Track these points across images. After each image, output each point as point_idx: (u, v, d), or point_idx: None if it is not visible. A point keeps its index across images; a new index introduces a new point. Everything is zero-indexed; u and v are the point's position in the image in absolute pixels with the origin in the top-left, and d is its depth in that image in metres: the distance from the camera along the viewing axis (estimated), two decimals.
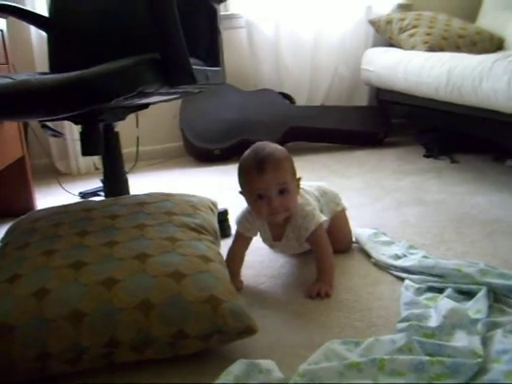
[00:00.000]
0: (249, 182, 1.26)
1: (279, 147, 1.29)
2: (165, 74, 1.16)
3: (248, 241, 1.38)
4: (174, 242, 1.12)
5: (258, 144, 1.29)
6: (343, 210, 1.52)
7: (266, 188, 1.23)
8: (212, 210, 1.39)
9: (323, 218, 1.32)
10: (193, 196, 1.39)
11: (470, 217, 1.72)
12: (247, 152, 1.28)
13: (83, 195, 2.34)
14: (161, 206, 1.26)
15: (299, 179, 1.31)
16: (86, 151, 1.31)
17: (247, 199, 1.30)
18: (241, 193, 1.31)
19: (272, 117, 3.00)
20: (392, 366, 0.89)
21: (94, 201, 1.35)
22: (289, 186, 1.24)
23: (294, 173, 1.29)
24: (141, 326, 0.95)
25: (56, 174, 2.72)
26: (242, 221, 1.35)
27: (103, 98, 1.09)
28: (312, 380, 0.86)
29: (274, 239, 1.36)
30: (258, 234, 1.39)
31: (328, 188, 1.51)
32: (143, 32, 1.36)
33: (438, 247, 1.48)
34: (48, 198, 2.34)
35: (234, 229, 1.68)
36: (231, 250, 1.37)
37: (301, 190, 1.35)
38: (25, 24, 1.71)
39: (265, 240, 1.40)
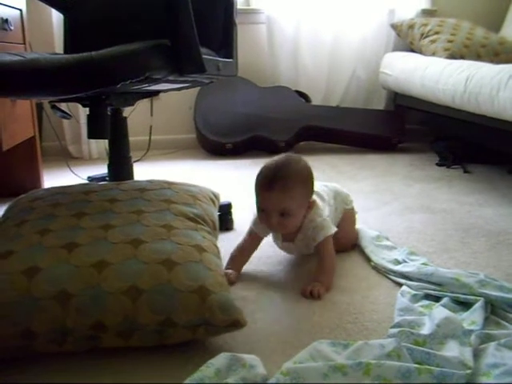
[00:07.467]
0: (257, 193, 1.27)
1: (303, 167, 1.28)
2: (174, 62, 1.15)
3: (260, 240, 1.39)
4: (169, 229, 1.11)
5: (287, 157, 1.28)
6: (352, 209, 1.53)
7: (268, 207, 1.24)
8: (213, 201, 1.37)
9: (333, 229, 1.32)
10: (194, 186, 1.37)
11: (476, 227, 1.69)
12: (273, 160, 1.27)
13: (92, 180, 2.33)
14: (161, 193, 1.25)
15: (312, 202, 1.30)
16: (92, 134, 1.31)
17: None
18: None
19: (286, 114, 2.97)
20: (378, 372, 0.87)
21: (95, 184, 1.34)
22: (291, 212, 1.24)
23: (307, 195, 1.28)
24: (128, 311, 0.94)
25: (68, 158, 2.73)
26: (258, 222, 1.33)
27: (109, 81, 1.09)
28: (295, 379, 0.85)
29: (284, 240, 1.37)
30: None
31: (340, 189, 1.52)
32: (158, 19, 1.35)
33: (441, 255, 1.46)
34: (56, 180, 2.34)
35: (237, 223, 1.69)
36: (241, 246, 1.38)
37: (314, 197, 1.33)
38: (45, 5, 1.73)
39: (275, 241, 1.41)
